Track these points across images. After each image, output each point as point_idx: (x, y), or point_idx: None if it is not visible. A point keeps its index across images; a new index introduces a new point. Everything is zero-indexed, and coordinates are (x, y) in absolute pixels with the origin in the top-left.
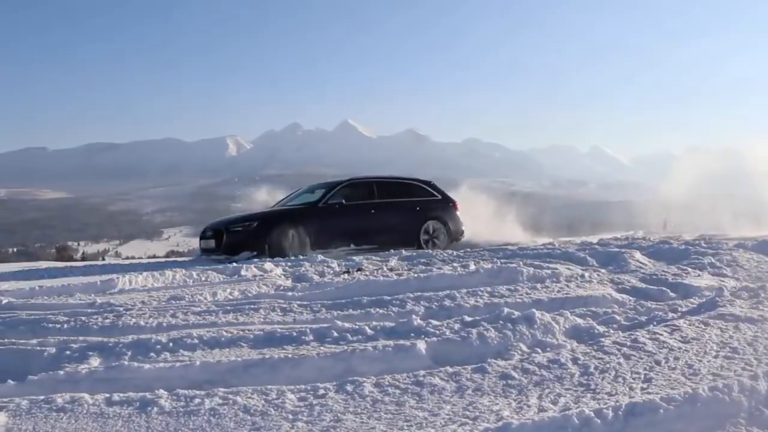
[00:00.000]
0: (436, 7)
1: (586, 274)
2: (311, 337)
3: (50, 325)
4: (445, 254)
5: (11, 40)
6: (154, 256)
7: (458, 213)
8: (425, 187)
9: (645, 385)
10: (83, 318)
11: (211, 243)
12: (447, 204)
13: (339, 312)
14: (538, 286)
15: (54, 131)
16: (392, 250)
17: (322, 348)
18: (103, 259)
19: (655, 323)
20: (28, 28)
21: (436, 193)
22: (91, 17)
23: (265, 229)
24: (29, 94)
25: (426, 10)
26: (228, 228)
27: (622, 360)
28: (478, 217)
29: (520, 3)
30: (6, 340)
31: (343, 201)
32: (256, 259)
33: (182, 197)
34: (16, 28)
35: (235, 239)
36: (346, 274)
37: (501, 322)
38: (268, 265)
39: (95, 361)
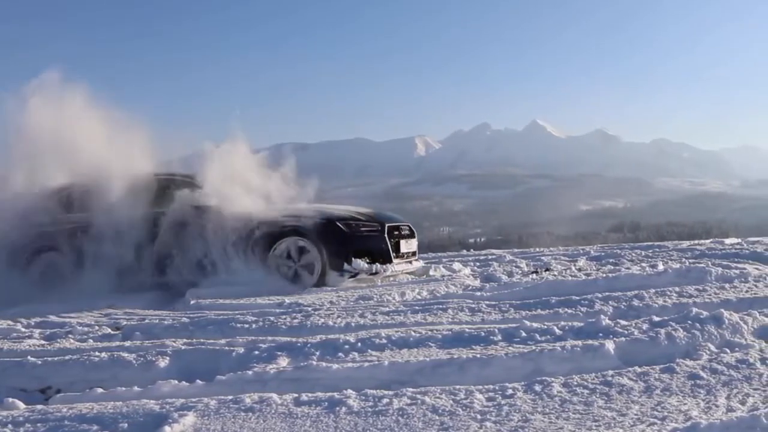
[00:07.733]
0: (629, 6)
1: None
2: (499, 337)
3: (238, 325)
4: (633, 254)
5: (209, 41)
6: None
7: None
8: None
9: None
10: (271, 318)
11: (413, 244)
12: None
13: (527, 312)
14: (727, 286)
15: (249, 132)
16: None
17: (510, 348)
18: None
19: None
20: (223, 30)
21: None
22: (277, 18)
23: None
24: (228, 93)
25: (618, 10)
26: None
27: None
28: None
29: (714, 2)
30: (195, 340)
31: None
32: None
33: (373, 197)
34: (217, 28)
35: None
36: (534, 274)
37: (689, 322)
38: (457, 265)
39: (283, 361)
